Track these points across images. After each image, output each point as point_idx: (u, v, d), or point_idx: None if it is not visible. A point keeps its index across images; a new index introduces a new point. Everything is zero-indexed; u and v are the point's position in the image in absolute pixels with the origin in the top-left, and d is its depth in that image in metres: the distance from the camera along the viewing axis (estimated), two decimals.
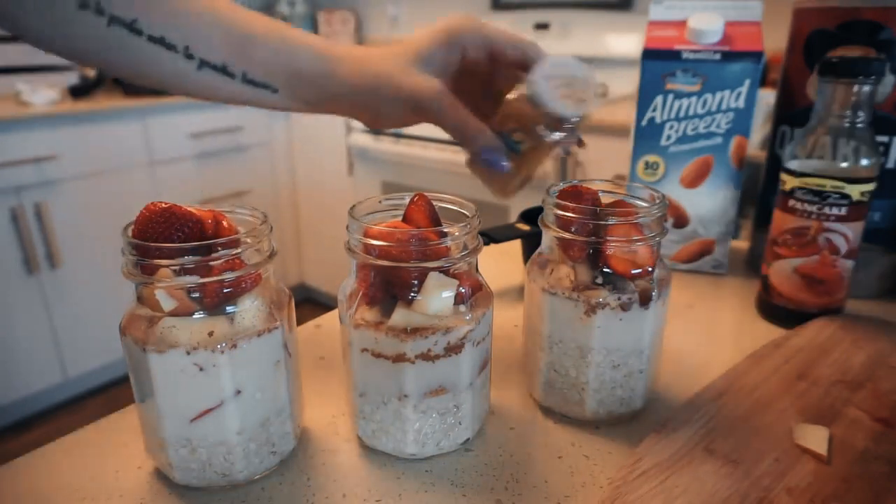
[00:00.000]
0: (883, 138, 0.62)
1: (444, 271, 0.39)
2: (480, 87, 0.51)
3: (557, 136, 0.47)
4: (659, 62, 0.67)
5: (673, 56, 0.66)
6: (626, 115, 1.69)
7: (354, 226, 0.39)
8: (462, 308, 0.39)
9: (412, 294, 0.39)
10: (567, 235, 0.43)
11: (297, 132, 2.45)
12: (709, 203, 0.70)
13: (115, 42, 0.41)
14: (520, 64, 0.48)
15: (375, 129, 0.49)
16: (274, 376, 0.39)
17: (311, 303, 2.71)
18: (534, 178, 0.52)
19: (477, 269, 0.42)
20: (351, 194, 2.30)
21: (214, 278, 0.36)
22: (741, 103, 0.66)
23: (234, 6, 0.45)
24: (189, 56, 0.43)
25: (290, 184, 2.54)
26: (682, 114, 0.68)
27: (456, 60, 0.47)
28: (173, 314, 0.36)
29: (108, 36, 0.41)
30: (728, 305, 0.67)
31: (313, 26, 2.91)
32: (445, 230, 0.39)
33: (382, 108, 0.47)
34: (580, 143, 0.50)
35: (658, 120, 0.68)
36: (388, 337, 0.38)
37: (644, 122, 0.69)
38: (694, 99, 0.67)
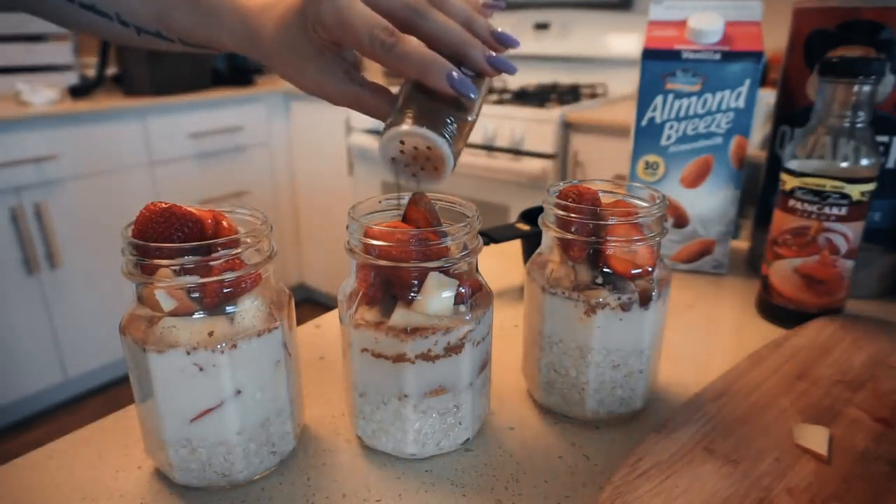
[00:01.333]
0: (883, 138, 0.62)
1: (444, 271, 0.39)
2: None
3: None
4: (659, 62, 0.67)
5: (673, 56, 0.66)
6: (626, 115, 1.69)
7: (354, 226, 0.39)
8: (462, 308, 0.39)
9: (412, 294, 0.39)
10: (567, 235, 0.43)
11: (297, 132, 2.45)
12: (709, 203, 0.70)
13: (55, 6, 0.43)
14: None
15: None
16: (274, 376, 0.39)
17: (311, 303, 2.71)
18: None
19: (477, 269, 0.42)
20: (351, 194, 2.30)
21: (214, 278, 0.36)
22: (741, 103, 0.66)
23: None
24: (124, 23, 0.44)
25: (290, 184, 2.54)
26: (682, 114, 0.68)
27: (315, 38, 0.41)
28: (173, 314, 0.36)
29: (48, 1, 0.43)
30: (728, 305, 0.67)
31: None
32: (445, 230, 0.39)
33: None
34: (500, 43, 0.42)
35: (658, 120, 0.68)
36: (388, 337, 0.38)
37: (644, 122, 0.69)
38: (694, 99, 0.67)
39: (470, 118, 0.40)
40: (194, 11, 0.43)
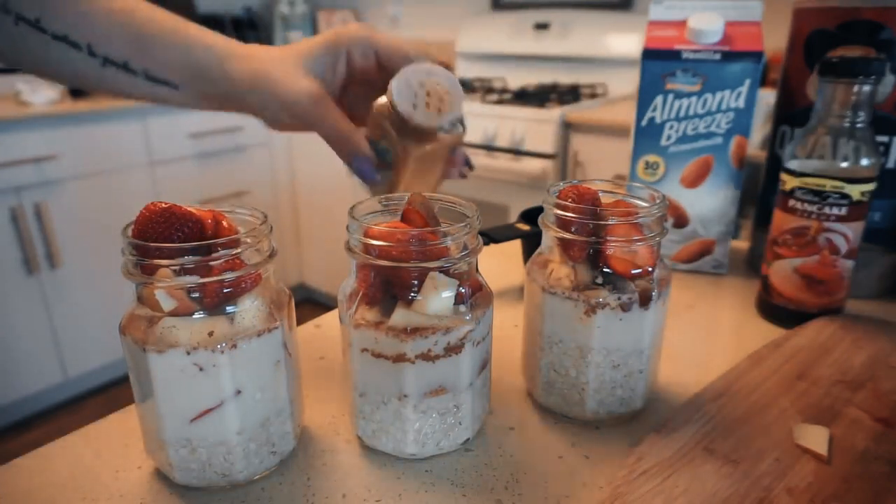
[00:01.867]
0: (883, 138, 0.62)
1: (444, 271, 0.39)
2: (375, 96, 0.51)
3: (426, 144, 0.47)
4: (659, 62, 0.67)
5: (673, 56, 0.66)
6: (626, 115, 1.69)
7: (354, 226, 0.39)
8: (462, 308, 0.39)
9: (412, 294, 0.39)
10: (567, 235, 0.43)
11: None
12: (709, 203, 0.70)
13: (23, 40, 0.44)
14: None
15: (278, 130, 0.50)
16: (274, 376, 0.39)
17: (311, 303, 2.71)
18: (437, 188, 0.51)
19: (477, 269, 0.42)
20: (351, 194, 2.30)
21: (214, 278, 0.36)
22: (741, 103, 0.66)
23: (137, 4, 0.47)
24: (92, 54, 0.45)
25: (290, 184, 2.54)
26: (682, 114, 0.68)
27: (342, 67, 0.48)
28: (173, 314, 0.36)
29: (16, 33, 0.43)
30: (728, 305, 0.67)
31: (313, 26, 2.91)
32: (445, 230, 0.39)
33: (267, 109, 0.48)
34: (467, 166, 0.51)
35: (658, 120, 0.68)
36: (388, 337, 0.38)
37: (644, 122, 0.69)
38: (694, 99, 0.67)
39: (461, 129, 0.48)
40: (174, 34, 0.46)
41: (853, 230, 0.55)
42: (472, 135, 1.86)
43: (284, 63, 0.46)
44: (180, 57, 0.46)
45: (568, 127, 1.74)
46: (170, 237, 0.36)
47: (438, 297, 0.38)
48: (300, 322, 0.53)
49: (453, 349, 0.39)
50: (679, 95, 0.67)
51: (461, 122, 0.49)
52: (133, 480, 0.41)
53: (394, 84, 0.45)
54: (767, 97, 0.95)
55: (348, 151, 0.48)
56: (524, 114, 1.77)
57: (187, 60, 0.46)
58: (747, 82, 0.65)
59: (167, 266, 0.35)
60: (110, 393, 2.11)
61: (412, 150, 0.47)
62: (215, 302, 0.37)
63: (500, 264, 0.74)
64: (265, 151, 2.41)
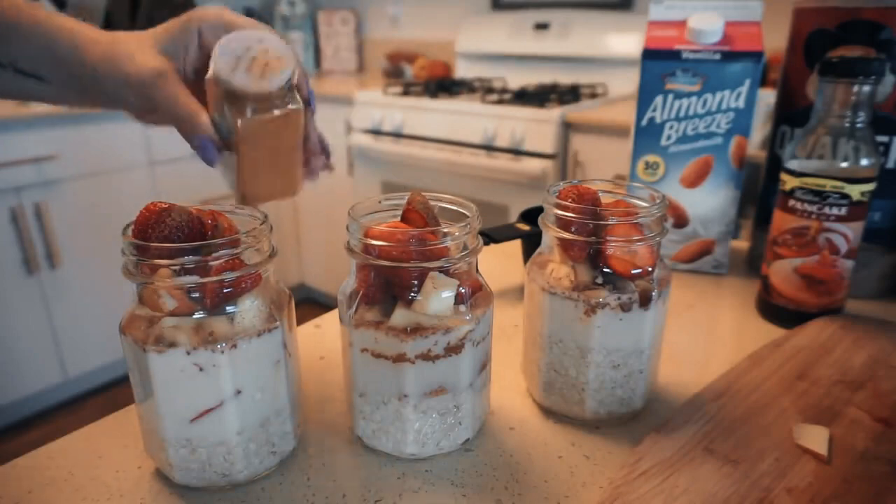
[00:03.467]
0: (883, 138, 0.62)
1: (444, 271, 0.39)
2: None
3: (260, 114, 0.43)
4: (659, 62, 0.67)
5: (673, 56, 0.66)
6: (626, 115, 1.69)
7: (354, 226, 0.39)
8: (462, 308, 0.39)
9: (412, 294, 0.39)
10: (567, 235, 0.43)
11: None
12: (709, 203, 0.70)
13: None
14: None
15: (144, 122, 0.49)
16: (274, 376, 0.39)
17: (311, 303, 2.71)
18: (295, 180, 0.47)
19: (477, 269, 0.42)
20: (351, 194, 2.30)
21: (214, 278, 0.36)
22: (741, 103, 0.66)
23: None
24: None
25: None
26: (682, 114, 0.68)
27: (195, 48, 0.46)
28: (173, 314, 0.36)
29: None
30: (728, 305, 0.67)
31: (313, 26, 2.91)
32: (445, 230, 0.39)
33: (120, 93, 0.45)
34: (325, 155, 0.49)
35: (658, 120, 0.68)
36: (388, 337, 0.38)
37: (644, 122, 0.69)
38: (694, 99, 0.67)
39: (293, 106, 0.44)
40: (37, 23, 0.44)
41: (853, 230, 0.55)
42: (472, 135, 1.86)
43: (136, 44, 0.44)
44: (44, 46, 0.44)
45: (568, 127, 1.74)
46: (170, 237, 0.36)
47: (438, 297, 0.38)
48: (300, 322, 0.53)
49: (453, 349, 0.39)
50: (679, 95, 0.67)
51: (307, 101, 0.45)
52: (133, 480, 0.41)
53: (216, 46, 0.42)
54: (767, 97, 0.95)
55: (190, 130, 0.44)
56: (524, 114, 1.77)
57: (50, 50, 0.44)
58: (747, 82, 0.65)
59: (167, 266, 0.35)
60: (110, 393, 2.11)
61: (239, 122, 0.43)
62: (215, 302, 0.37)
63: (500, 264, 0.74)
64: None
